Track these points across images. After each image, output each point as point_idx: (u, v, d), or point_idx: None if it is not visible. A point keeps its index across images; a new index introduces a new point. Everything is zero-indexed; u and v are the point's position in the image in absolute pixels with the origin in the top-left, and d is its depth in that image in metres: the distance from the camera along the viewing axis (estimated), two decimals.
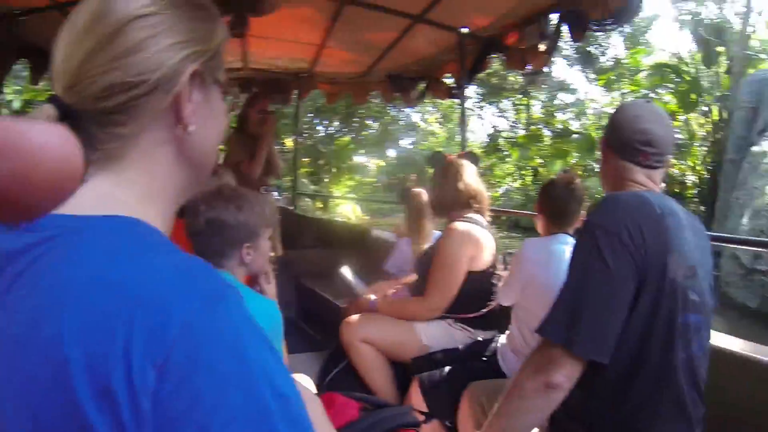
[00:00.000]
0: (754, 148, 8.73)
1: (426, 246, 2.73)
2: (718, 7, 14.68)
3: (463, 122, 3.84)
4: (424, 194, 2.91)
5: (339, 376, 2.34)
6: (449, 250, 2.24)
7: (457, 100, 3.78)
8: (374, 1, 3.00)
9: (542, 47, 2.91)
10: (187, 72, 0.57)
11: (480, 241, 2.27)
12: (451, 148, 16.13)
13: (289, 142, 11.66)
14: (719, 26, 13.96)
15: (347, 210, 14.83)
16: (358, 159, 18.56)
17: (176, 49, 0.56)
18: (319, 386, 2.26)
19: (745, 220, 8.08)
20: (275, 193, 4.09)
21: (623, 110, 1.44)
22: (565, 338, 1.12)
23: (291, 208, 5.85)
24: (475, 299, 2.33)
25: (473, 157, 2.61)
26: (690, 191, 13.79)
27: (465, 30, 3.25)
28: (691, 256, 1.22)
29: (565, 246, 1.95)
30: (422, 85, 4.10)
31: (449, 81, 3.93)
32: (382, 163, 19.45)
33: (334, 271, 2.85)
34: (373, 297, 2.51)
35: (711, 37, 13.47)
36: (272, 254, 3.75)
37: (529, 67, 3.07)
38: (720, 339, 1.67)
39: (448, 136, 21.02)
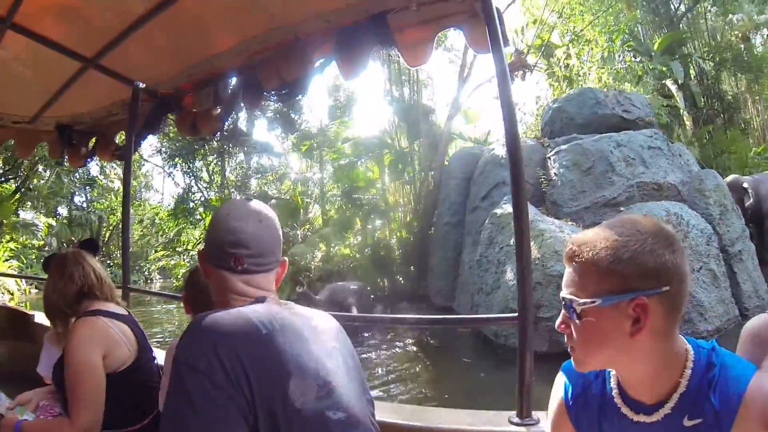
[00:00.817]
0: (497, 210, 9.74)
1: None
2: (415, 93, 17.35)
3: (126, 186, 3.58)
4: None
5: None
6: (76, 353, 1.87)
7: (141, 157, 3.55)
8: (42, 33, 2.67)
9: (216, 111, 2.90)
10: None
11: (110, 334, 1.96)
12: (132, 209, 14.86)
13: None
14: (422, 108, 16.58)
15: (10, 283, 12.37)
16: (24, 215, 15.74)
17: None
18: None
19: (510, 275, 8.77)
20: None
21: (216, 211, 1.27)
22: None
23: None
24: (132, 404, 2.01)
25: (91, 245, 2.39)
26: (396, 254, 15.23)
27: (141, 84, 3.10)
28: (321, 370, 1.08)
29: None
30: (93, 140, 3.73)
31: (120, 139, 3.66)
32: (53, 222, 16.78)
33: None
34: (24, 416, 1.99)
35: (417, 118, 15.81)
36: None
37: (200, 132, 3.01)
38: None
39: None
